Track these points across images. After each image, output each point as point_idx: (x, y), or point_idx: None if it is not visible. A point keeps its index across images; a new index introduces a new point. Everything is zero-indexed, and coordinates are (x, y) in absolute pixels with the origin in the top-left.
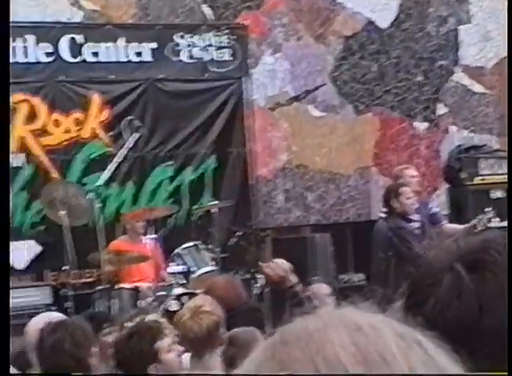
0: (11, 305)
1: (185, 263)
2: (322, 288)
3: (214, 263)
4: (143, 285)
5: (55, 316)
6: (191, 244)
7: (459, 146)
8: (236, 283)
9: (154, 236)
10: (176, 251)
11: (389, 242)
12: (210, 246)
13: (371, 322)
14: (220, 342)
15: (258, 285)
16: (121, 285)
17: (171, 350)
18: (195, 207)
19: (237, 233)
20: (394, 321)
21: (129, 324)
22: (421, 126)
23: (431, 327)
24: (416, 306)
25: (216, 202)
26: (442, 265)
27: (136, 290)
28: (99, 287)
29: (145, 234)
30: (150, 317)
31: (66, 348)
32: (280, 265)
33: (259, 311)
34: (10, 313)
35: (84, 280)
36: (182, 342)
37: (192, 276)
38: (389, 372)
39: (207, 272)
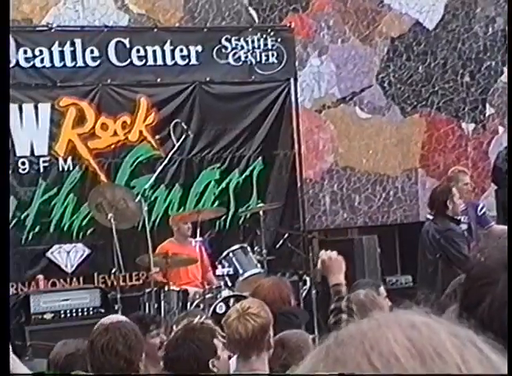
0: (60, 308)
1: (232, 266)
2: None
3: (260, 266)
4: (191, 288)
5: (122, 318)
6: (238, 246)
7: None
8: (283, 285)
9: (201, 238)
10: (224, 253)
11: (437, 244)
12: (257, 248)
13: (425, 320)
14: (268, 346)
15: (306, 287)
16: (170, 287)
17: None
18: (242, 209)
19: (284, 236)
20: (448, 322)
21: (178, 327)
22: (469, 127)
23: (487, 328)
24: (472, 306)
25: (263, 204)
26: (497, 264)
27: (185, 292)
28: (148, 290)
29: (192, 237)
30: (198, 319)
31: (118, 350)
32: (339, 258)
33: (305, 314)
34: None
35: (132, 283)
36: (228, 343)
37: (240, 278)
38: (444, 367)
39: (253, 275)
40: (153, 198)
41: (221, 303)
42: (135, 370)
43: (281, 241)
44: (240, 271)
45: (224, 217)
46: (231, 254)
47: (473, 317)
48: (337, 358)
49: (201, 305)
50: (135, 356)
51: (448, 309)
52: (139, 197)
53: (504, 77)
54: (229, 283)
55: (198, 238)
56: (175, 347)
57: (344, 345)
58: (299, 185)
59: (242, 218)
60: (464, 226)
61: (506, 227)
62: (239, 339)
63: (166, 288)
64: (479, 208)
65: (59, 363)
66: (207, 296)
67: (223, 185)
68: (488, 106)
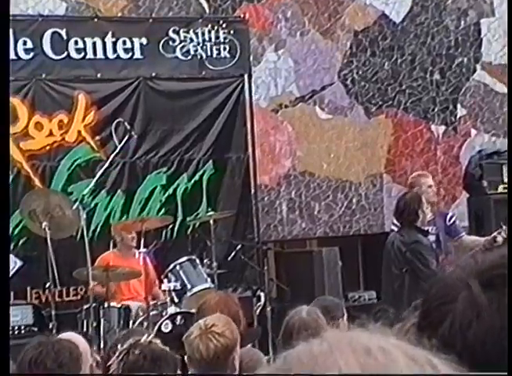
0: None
1: (179, 280)
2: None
3: (210, 280)
4: (134, 303)
5: (76, 337)
6: (186, 258)
7: (481, 151)
8: (231, 301)
9: (146, 249)
10: (170, 266)
11: (403, 257)
12: (206, 261)
13: (381, 344)
14: (232, 368)
15: (260, 303)
16: (110, 303)
17: None
18: (190, 218)
19: (237, 247)
20: (406, 344)
21: (123, 346)
22: (439, 129)
23: (448, 349)
24: (432, 326)
25: (213, 213)
26: (458, 282)
27: (127, 309)
28: (86, 306)
29: (136, 248)
30: (146, 339)
31: (47, 366)
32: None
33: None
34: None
35: (69, 299)
36: (189, 363)
37: (187, 294)
38: None
39: (203, 290)
40: (92, 205)
41: (167, 321)
42: None
43: (233, 253)
44: (188, 286)
45: (171, 226)
46: (178, 267)
47: (434, 338)
48: None
49: (145, 323)
50: (66, 374)
51: (402, 325)
52: (77, 203)
53: (476, 76)
54: (176, 299)
55: (142, 249)
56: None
57: (294, 371)
58: (253, 191)
59: (190, 228)
60: (432, 238)
61: (478, 238)
62: (200, 359)
63: (106, 304)
64: (448, 217)
65: None
66: (152, 313)
67: (170, 191)
68: (459, 106)
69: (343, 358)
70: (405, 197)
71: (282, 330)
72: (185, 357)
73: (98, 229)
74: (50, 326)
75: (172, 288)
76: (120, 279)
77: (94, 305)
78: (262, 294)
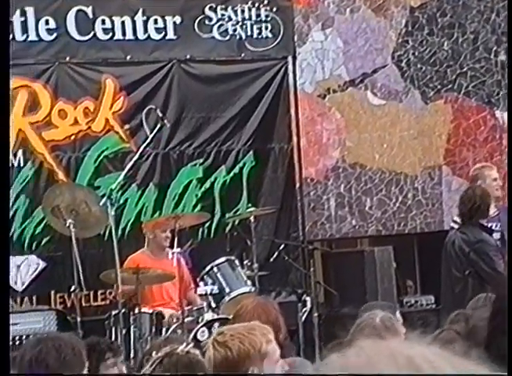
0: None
1: (217, 283)
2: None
3: (251, 283)
4: (167, 309)
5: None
6: (224, 259)
7: None
8: (271, 306)
9: (180, 249)
10: (207, 268)
11: (466, 258)
12: (246, 262)
13: (424, 354)
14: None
15: (306, 309)
16: (141, 309)
17: None
18: (229, 215)
19: (280, 247)
20: (450, 353)
21: (157, 355)
22: (504, 116)
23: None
24: (502, 333)
25: (254, 209)
26: None
27: (159, 315)
28: (114, 312)
29: (170, 247)
30: (183, 348)
31: (48, 364)
32: None
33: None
34: (10, 327)
35: (96, 304)
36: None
37: (226, 298)
38: None
39: (242, 294)
40: (122, 201)
41: (204, 328)
42: None
43: (276, 253)
44: (227, 289)
45: (208, 223)
46: (215, 269)
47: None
48: None
49: (179, 331)
50: (69, 372)
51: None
52: (105, 199)
53: None
54: (213, 305)
55: (176, 249)
56: None
57: None
58: (298, 185)
59: (229, 226)
60: (497, 235)
61: None
62: (209, 369)
63: (136, 310)
64: None
65: None
66: (187, 320)
67: (207, 185)
68: None
69: (384, 370)
70: (471, 191)
71: (349, 335)
72: None
73: (127, 228)
74: (75, 333)
75: (209, 292)
76: (151, 282)
77: (123, 310)
78: (308, 299)
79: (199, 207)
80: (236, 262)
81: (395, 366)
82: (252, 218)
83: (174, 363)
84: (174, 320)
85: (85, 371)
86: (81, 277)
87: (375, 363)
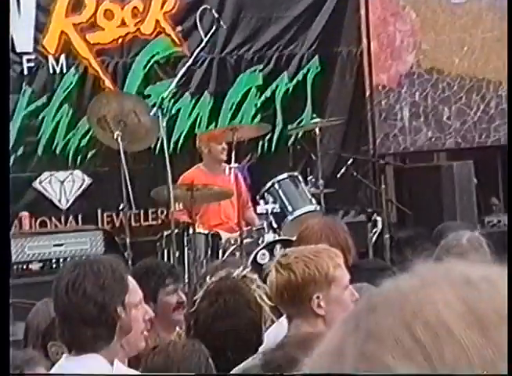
0: (52, 256)
1: (278, 201)
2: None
3: (316, 201)
4: (224, 230)
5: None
6: (286, 175)
7: None
8: (339, 227)
9: (238, 165)
10: (267, 185)
11: None
12: (311, 178)
13: (485, 274)
14: (311, 313)
15: (377, 230)
16: (196, 230)
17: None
18: (292, 126)
19: (348, 162)
20: None
21: (212, 279)
22: None
23: None
24: None
25: (319, 120)
26: None
27: (215, 236)
28: (167, 233)
29: (227, 162)
30: (240, 272)
31: (86, 290)
32: None
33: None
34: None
35: (147, 223)
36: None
37: (288, 218)
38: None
39: (307, 213)
40: (174, 111)
41: (264, 250)
42: (111, 317)
43: (343, 169)
44: (289, 208)
45: (268, 136)
46: (277, 186)
47: None
48: (369, 330)
49: (237, 254)
50: (109, 299)
51: None
52: (155, 109)
53: None
54: (274, 225)
55: (234, 164)
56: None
57: (379, 312)
58: (368, 94)
59: (292, 138)
60: None
61: None
62: (270, 295)
63: (191, 231)
64: None
65: (39, 330)
66: (245, 241)
67: (267, 93)
68: None
69: (439, 291)
70: None
71: (435, 255)
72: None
73: (180, 140)
74: (125, 256)
75: (270, 211)
76: (207, 200)
77: (176, 231)
78: (379, 219)
79: (258, 117)
80: (300, 178)
81: (450, 285)
82: (317, 130)
83: (231, 288)
84: (232, 242)
85: (137, 298)
86: (130, 195)
87: (429, 283)
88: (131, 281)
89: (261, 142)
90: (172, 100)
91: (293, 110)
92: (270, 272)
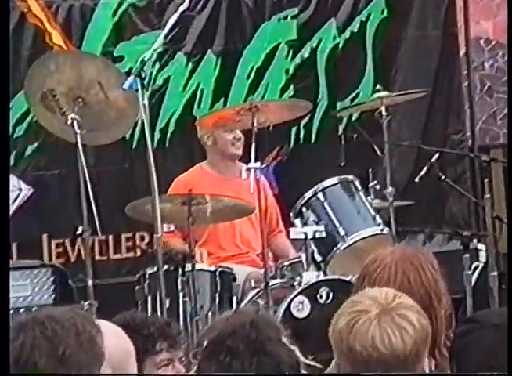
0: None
1: (323, 220)
2: None
3: (382, 219)
4: (241, 266)
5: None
6: (336, 180)
7: None
8: (423, 261)
9: (261, 164)
10: (307, 194)
11: None
12: (374, 184)
13: None
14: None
15: (479, 264)
16: (197, 265)
17: None
18: (343, 104)
19: (432, 158)
20: None
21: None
22: None
23: None
24: None
25: (387, 93)
26: None
27: (227, 274)
28: (151, 271)
29: (244, 160)
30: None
31: (38, 365)
32: None
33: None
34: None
35: (119, 256)
36: (342, 367)
37: (339, 246)
38: None
39: (367, 238)
40: (161, 81)
41: (302, 297)
42: None
43: (424, 170)
44: (340, 230)
45: (307, 119)
46: (321, 197)
47: None
48: None
49: (260, 302)
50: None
51: None
52: (131, 78)
53: None
54: (318, 257)
55: (254, 164)
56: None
57: None
58: (463, 52)
59: (343, 123)
60: None
61: None
62: (377, 358)
63: (189, 266)
64: None
65: None
66: (274, 282)
67: (305, 52)
68: None
69: None
70: None
71: None
72: (334, 359)
73: (171, 127)
74: (86, 307)
75: (311, 235)
76: (214, 218)
77: (166, 267)
78: (482, 248)
79: (291, 91)
80: (357, 184)
81: None
82: (383, 110)
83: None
84: (253, 283)
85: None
86: (94, 212)
87: None
88: (112, 343)
89: (295, 129)
90: (158, 64)
91: (346, 79)
92: (381, 329)
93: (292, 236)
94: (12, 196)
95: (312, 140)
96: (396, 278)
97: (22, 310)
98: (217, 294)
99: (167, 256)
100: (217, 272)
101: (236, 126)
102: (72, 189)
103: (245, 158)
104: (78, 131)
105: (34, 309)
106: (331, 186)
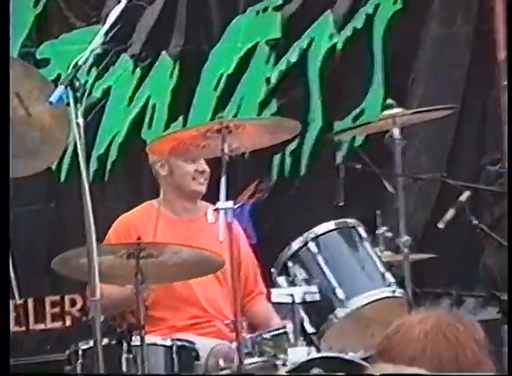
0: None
1: (316, 277)
2: None
3: (393, 278)
4: (205, 338)
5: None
6: (332, 225)
7: None
8: (462, 332)
9: (235, 204)
10: (295, 244)
11: None
12: (383, 231)
13: None
14: None
15: None
16: (147, 338)
17: None
18: (341, 124)
19: (461, 196)
20: None
21: None
22: None
23: None
24: None
25: (400, 110)
26: None
27: (187, 350)
28: (85, 346)
29: (209, 199)
30: None
31: None
32: None
33: None
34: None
35: (43, 326)
36: None
37: (336, 312)
38: None
39: (374, 303)
40: (99, 92)
41: None
42: None
43: (451, 212)
44: (338, 292)
45: (294, 144)
46: (313, 247)
47: None
48: None
49: None
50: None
51: None
52: (61, 88)
53: None
54: (309, 327)
55: (224, 203)
56: None
57: None
58: (503, 55)
59: (344, 148)
60: None
61: None
62: None
63: (135, 339)
64: None
65: None
66: (250, 362)
67: (292, 56)
68: None
69: None
70: None
71: None
72: None
73: (112, 153)
74: None
75: (300, 299)
76: (170, 276)
77: (106, 340)
78: None
79: (273, 106)
80: (360, 230)
81: None
82: (395, 132)
83: None
84: (221, 362)
85: None
86: (9, 267)
87: None
88: None
89: (279, 158)
90: (95, 70)
91: (346, 91)
92: None
93: (274, 300)
94: None
95: (302, 171)
96: (424, 357)
97: None
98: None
99: (107, 325)
100: (174, 348)
101: (200, 154)
102: None
103: (212, 196)
104: None
105: None
106: (326, 232)
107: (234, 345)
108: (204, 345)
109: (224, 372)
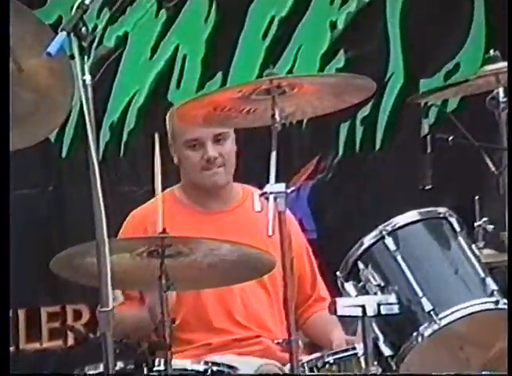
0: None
1: (393, 282)
2: None
3: (496, 286)
4: (247, 357)
5: None
6: (417, 215)
7: None
8: None
9: (283, 188)
10: (367, 239)
11: None
12: (482, 223)
13: None
14: None
15: None
16: (174, 362)
17: None
18: (427, 83)
19: None
20: None
21: None
22: None
23: None
24: None
25: (504, 64)
26: None
27: (229, 374)
28: (93, 371)
29: (257, 181)
30: None
31: None
32: None
33: None
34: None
35: (37, 345)
36: None
37: (426, 327)
38: None
39: (473, 315)
40: (114, 40)
41: None
42: None
43: None
44: (425, 302)
45: (367, 109)
46: (390, 243)
47: None
48: None
49: None
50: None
51: None
52: (62, 35)
53: None
54: (386, 348)
55: (274, 186)
56: None
57: None
58: None
59: (431, 116)
60: None
61: None
62: None
63: (159, 364)
64: None
65: None
66: None
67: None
68: None
69: None
70: None
71: None
72: None
73: (129, 120)
74: None
75: (373, 311)
76: (204, 281)
77: (120, 365)
78: None
79: (340, 59)
80: (453, 221)
81: None
82: (501, 93)
83: None
84: None
85: None
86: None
87: None
88: None
89: (346, 127)
90: (107, 13)
91: (436, 40)
92: None
93: (340, 312)
94: None
95: (376, 146)
96: None
97: None
98: None
99: (121, 345)
100: (208, 373)
101: (243, 121)
102: None
103: (258, 176)
104: None
105: None
106: (408, 224)
107: (287, 368)
108: (247, 365)
109: None
